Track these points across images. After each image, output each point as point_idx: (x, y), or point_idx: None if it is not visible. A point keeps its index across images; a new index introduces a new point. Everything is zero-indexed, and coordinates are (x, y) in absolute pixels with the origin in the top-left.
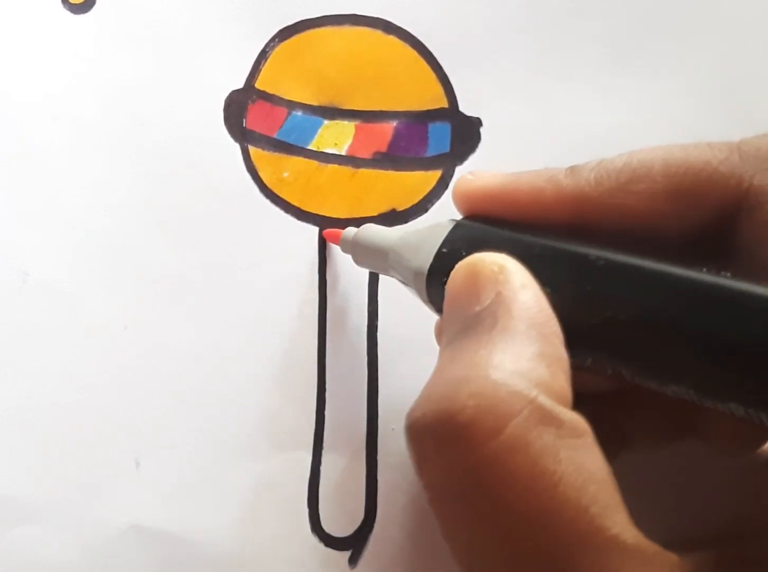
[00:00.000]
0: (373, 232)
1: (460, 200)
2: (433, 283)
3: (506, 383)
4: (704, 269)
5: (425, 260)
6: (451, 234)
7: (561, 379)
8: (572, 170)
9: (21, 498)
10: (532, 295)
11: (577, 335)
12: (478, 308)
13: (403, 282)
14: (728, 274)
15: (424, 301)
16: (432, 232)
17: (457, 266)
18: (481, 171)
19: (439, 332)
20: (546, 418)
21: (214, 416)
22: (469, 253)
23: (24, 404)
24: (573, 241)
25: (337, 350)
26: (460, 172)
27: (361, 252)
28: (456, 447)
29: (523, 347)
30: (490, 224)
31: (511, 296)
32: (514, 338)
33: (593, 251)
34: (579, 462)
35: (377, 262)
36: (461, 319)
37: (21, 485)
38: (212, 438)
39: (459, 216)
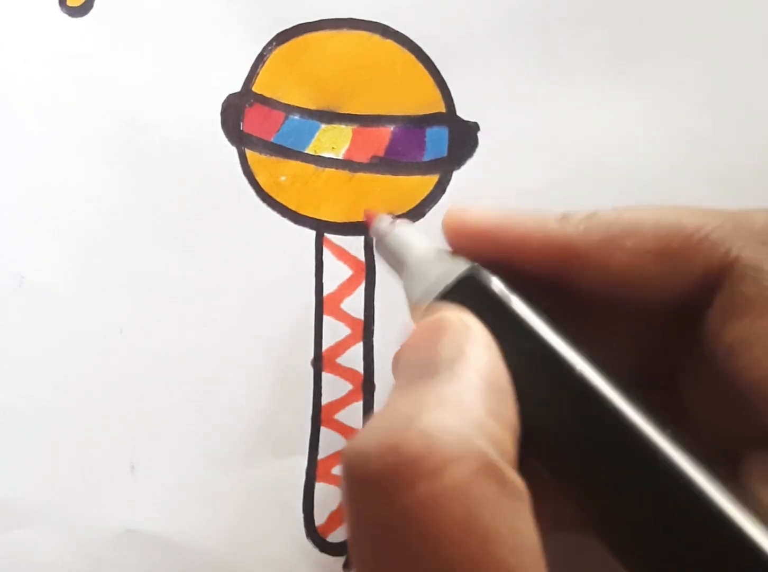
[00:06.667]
0: (404, 235)
1: (449, 233)
2: None
3: (457, 428)
4: (668, 431)
5: (426, 296)
6: (459, 281)
7: (509, 442)
8: (564, 216)
9: (16, 501)
10: (494, 357)
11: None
12: (438, 357)
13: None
14: (685, 448)
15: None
16: (445, 267)
17: (430, 313)
18: (471, 206)
19: (396, 363)
20: (492, 473)
21: (210, 421)
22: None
23: (19, 408)
24: (571, 339)
25: (333, 355)
26: (458, 177)
27: (382, 249)
28: (393, 484)
29: (479, 401)
30: (503, 277)
31: (473, 353)
32: (472, 391)
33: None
34: (516, 526)
35: (395, 265)
36: (420, 363)
37: (16, 488)
38: (208, 443)
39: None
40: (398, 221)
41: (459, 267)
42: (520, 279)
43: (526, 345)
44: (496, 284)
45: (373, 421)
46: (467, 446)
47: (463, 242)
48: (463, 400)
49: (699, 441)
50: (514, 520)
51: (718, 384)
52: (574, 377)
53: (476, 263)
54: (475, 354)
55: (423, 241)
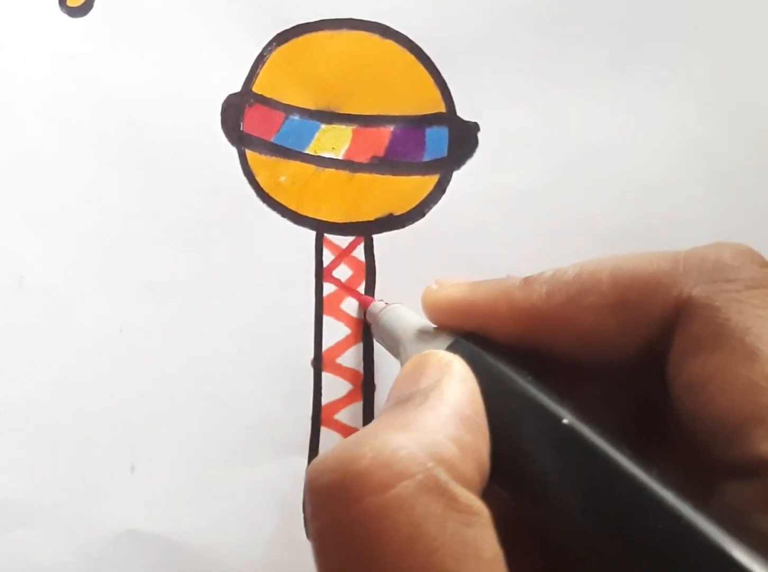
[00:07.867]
0: (397, 316)
1: (427, 311)
2: None
3: (408, 447)
4: (655, 471)
5: None
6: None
7: (470, 466)
8: (526, 281)
9: (17, 501)
10: (468, 390)
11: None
12: (415, 389)
13: None
14: (670, 487)
15: None
16: (431, 346)
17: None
18: (444, 281)
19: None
20: (438, 489)
21: (210, 421)
22: None
23: (19, 408)
24: (551, 391)
25: (333, 355)
26: (458, 177)
27: (378, 330)
28: (344, 495)
29: (440, 427)
30: (483, 346)
31: (448, 384)
32: (436, 418)
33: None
34: (466, 537)
35: (390, 346)
36: (401, 393)
37: (16, 488)
38: (208, 443)
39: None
40: (390, 305)
41: (443, 344)
42: (503, 347)
43: (509, 399)
44: (477, 353)
45: (342, 441)
46: (416, 464)
47: (443, 318)
48: (426, 425)
49: (684, 478)
50: (466, 532)
51: (686, 423)
52: (558, 425)
53: (458, 337)
54: (449, 386)
55: (413, 321)
